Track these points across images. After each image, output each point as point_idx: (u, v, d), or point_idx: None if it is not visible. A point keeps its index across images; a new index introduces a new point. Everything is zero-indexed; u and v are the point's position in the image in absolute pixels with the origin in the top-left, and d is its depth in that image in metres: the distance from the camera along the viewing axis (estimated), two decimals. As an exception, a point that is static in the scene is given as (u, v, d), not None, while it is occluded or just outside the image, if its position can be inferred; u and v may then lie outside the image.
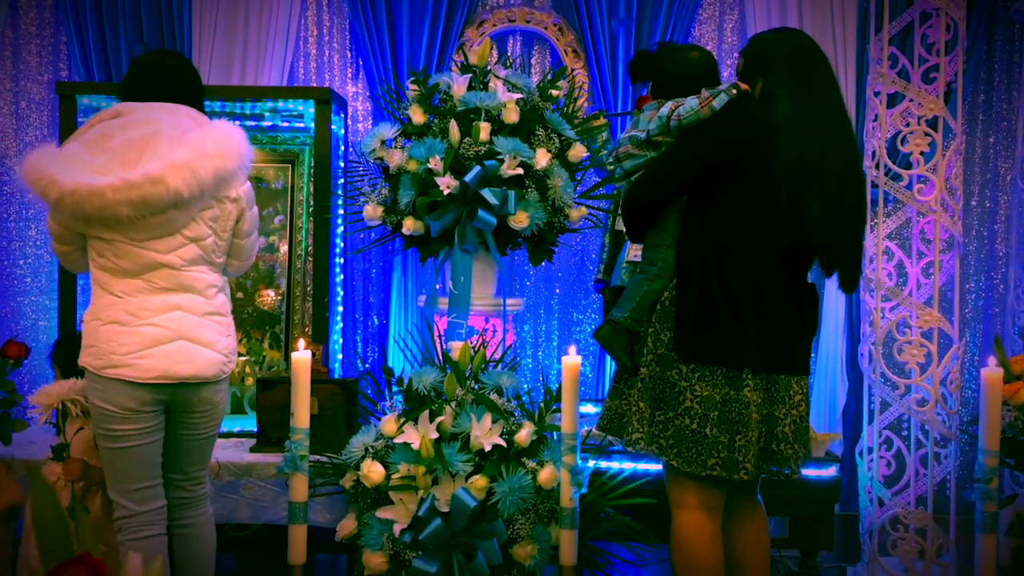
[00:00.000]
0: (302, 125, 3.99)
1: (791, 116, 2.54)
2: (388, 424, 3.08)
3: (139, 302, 2.56)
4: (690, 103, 2.60)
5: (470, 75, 3.47)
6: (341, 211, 3.91)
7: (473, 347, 3.23)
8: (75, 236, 2.61)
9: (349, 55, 4.57)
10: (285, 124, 4.01)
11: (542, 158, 3.32)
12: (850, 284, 2.70)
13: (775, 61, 2.61)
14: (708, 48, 4.49)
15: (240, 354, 3.85)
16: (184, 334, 2.59)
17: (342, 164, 4.01)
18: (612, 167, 2.93)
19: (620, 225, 3.77)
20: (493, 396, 3.09)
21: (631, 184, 2.73)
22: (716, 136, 2.57)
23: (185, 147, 2.50)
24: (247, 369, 3.86)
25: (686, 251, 2.61)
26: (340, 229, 3.98)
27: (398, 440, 3.01)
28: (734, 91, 2.58)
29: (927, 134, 3.48)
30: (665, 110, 2.66)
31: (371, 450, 3.06)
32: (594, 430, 2.89)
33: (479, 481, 2.92)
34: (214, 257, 2.65)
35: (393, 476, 2.98)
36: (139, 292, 2.56)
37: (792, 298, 2.60)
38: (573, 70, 4.33)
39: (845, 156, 2.61)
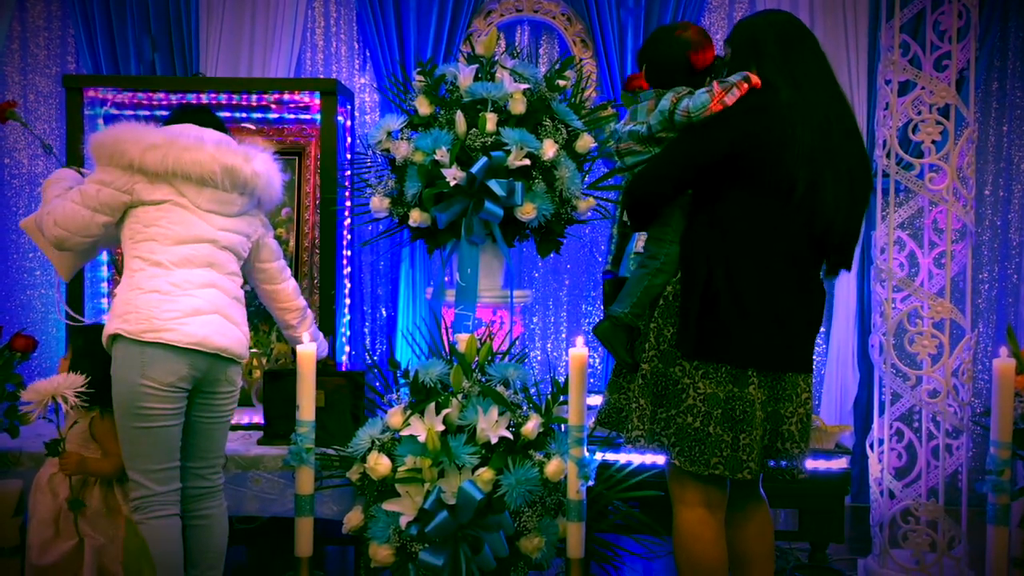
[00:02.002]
0: (309, 117, 3.98)
1: (796, 104, 2.48)
2: (394, 416, 3.07)
3: (183, 274, 2.70)
4: (700, 98, 2.52)
5: (477, 65, 3.45)
6: (348, 203, 3.90)
7: (480, 339, 3.22)
8: (120, 205, 2.74)
9: (356, 46, 4.55)
10: (292, 116, 4.00)
11: (549, 149, 3.30)
12: (849, 265, 2.67)
13: (766, 47, 2.54)
14: (717, 37, 4.46)
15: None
16: (219, 309, 2.74)
17: (349, 156, 4.00)
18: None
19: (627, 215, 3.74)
20: (500, 388, 3.08)
21: (634, 176, 2.67)
22: (725, 129, 2.50)
23: (262, 155, 2.87)
24: (254, 362, 3.86)
25: (692, 247, 2.56)
26: (347, 221, 3.97)
27: (404, 432, 3.00)
28: (745, 85, 2.50)
29: (939, 122, 3.44)
30: (666, 103, 2.59)
31: (377, 442, 3.06)
32: (594, 424, 2.85)
33: (485, 473, 2.92)
34: (241, 253, 2.88)
35: (399, 469, 2.98)
36: (184, 263, 2.71)
37: (803, 294, 2.56)
38: (581, 60, 4.30)
39: (851, 140, 2.57)
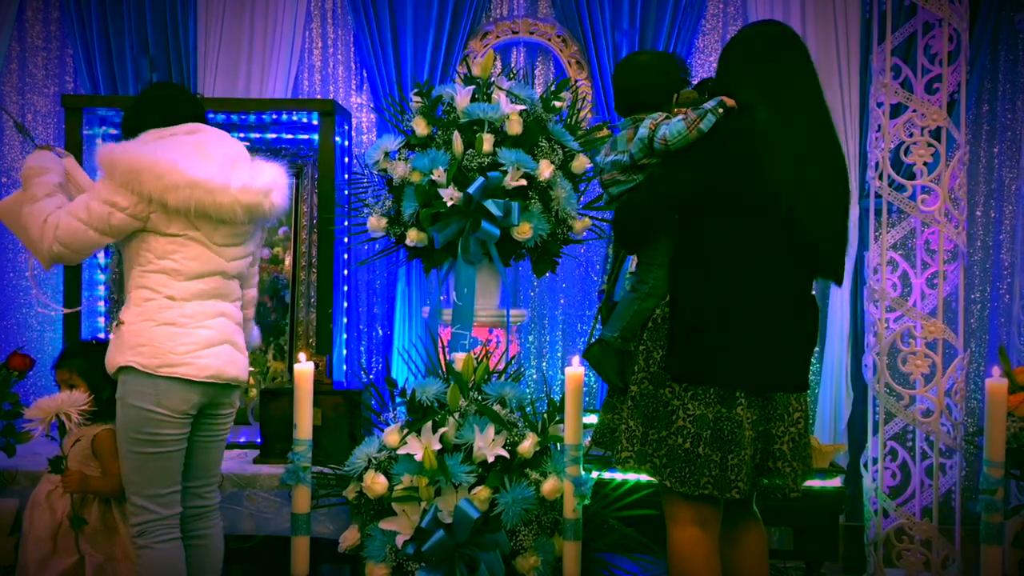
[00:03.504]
0: (306, 137, 4.01)
1: (774, 123, 2.47)
2: (391, 435, 3.08)
3: (194, 306, 2.64)
4: (676, 126, 2.51)
5: (473, 87, 3.49)
6: (345, 223, 3.92)
7: (476, 358, 3.23)
8: (131, 230, 2.61)
9: (354, 67, 4.58)
10: (289, 136, 4.02)
11: (545, 169, 3.33)
12: (840, 279, 2.67)
13: (735, 68, 2.55)
14: (711, 59, 4.51)
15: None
16: (228, 338, 2.71)
17: (346, 176, 4.02)
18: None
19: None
20: (496, 407, 3.09)
21: (621, 205, 2.67)
22: (705, 155, 2.50)
23: (268, 171, 2.74)
24: (251, 380, 3.87)
25: (679, 270, 2.57)
26: (345, 240, 3.99)
27: (401, 451, 3.01)
28: (720, 110, 2.49)
29: (930, 144, 3.48)
30: (644, 130, 2.58)
31: (374, 461, 3.06)
32: (589, 444, 2.85)
33: (482, 492, 2.92)
34: (244, 274, 2.84)
35: (396, 487, 2.98)
36: (196, 296, 2.65)
37: (794, 313, 2.57)
38: (576, 81, 4.33)
39: (831, 154, 2.57)
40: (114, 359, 2.63)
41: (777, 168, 2.46)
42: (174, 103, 2.78)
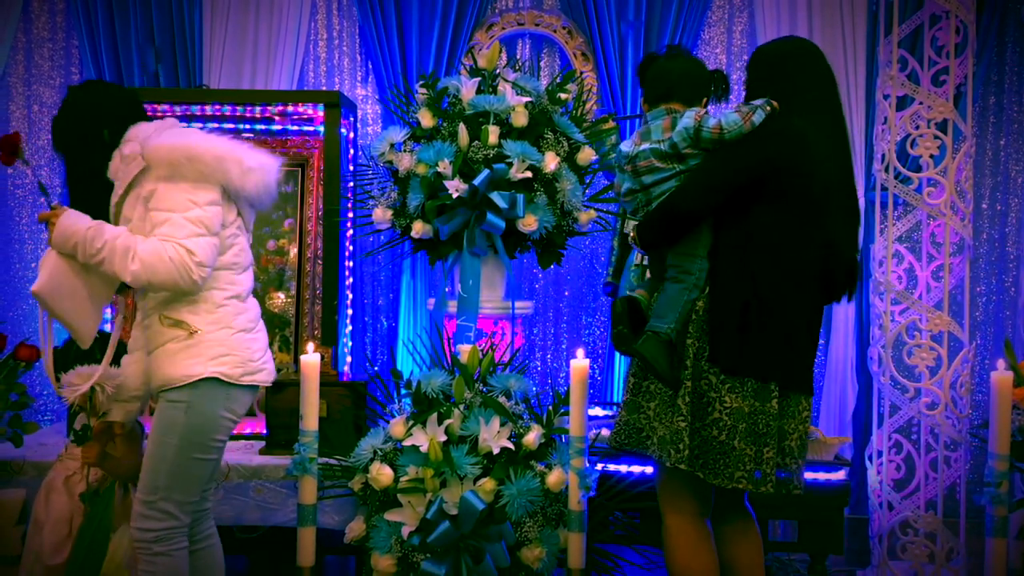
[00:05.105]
0: (312, 128, 4.01)
1: (807, 130, 2.54)
2: (397, 427, 3.09)
3: (251, 305, 2.62)
4: (731, 117, 2.55)
5: (479, 78, 3.48)
6: (350, 215, 3.92)
7: (482, 350, 3.23)
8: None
9: (359, 59, 4.58)
10: (295, 127, 4.02)
11: (551, 161, 3.33)
12: (853, 292, 2.71)
13: (763, 79, 2.63)
14: (717, 51, 4.51)
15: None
16: (266, 335, 2.69)
17: (351, 168, 4.02)
18: (620, 182, 2.82)
19: (628, 228, 3.75)
20: (501, 399, 3.09)
21: (674, 192, 2.62)
22: (760, 150, 2.54)
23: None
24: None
25: (725, 262, 2.57)
26: (349, 232, 3.99)
27: (407, 443, 3.02)
28: (768, 108, 2.56)
29: (937, 137, 3.47)
30: (689, 121, 2.59)
31: (380, 453, 3.07)
32: (614, 444, 2.79)
33: (487, 484, 2.93)
34: None
35: (402, 479, 2.99)
36: (249, 293, 2.62)
37: (811, 320, 2.62)
38: (582, 73, 4.33)
39: (846, 165, 2.65)
40: (190, 370, 2.48)
41: (818, 172, 2.53)
42: (132, 101, 2.66)
